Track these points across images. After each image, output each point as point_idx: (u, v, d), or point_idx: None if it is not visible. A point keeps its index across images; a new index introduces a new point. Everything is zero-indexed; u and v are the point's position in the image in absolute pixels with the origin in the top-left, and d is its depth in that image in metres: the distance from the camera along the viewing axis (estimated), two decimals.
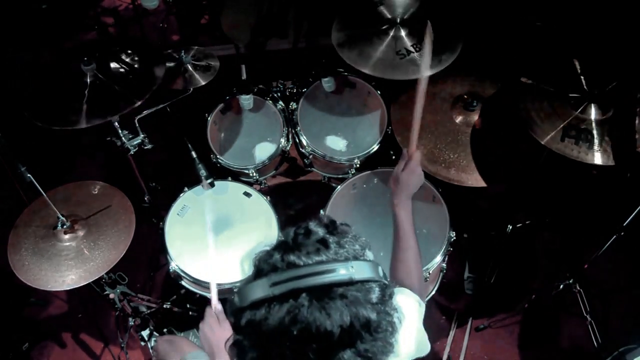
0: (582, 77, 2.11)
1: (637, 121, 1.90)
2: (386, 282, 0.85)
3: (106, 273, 1.99)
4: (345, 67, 2.58)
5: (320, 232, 0.86)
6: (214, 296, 1.47)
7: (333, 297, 0.78)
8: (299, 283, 0.78)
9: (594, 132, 1.98)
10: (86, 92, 2.07)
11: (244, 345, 0.82)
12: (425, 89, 1.50)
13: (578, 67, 2.14)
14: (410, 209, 1.44)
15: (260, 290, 0.79)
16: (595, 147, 1.94)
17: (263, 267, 0.84)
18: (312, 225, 0.87)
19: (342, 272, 0.80)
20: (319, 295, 0.78)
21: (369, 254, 0.88)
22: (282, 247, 0.85)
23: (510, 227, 2.59)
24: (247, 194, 2.37)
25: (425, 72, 1.50)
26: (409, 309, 1.23)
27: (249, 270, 0.87)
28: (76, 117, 1.99)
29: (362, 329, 0.79)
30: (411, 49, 2.25)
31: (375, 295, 0.81)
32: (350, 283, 0.80)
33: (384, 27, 2.31)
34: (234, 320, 0.83)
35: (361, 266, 0.82)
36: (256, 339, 0.80)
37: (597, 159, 1.94)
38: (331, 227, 0.88)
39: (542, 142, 1.97)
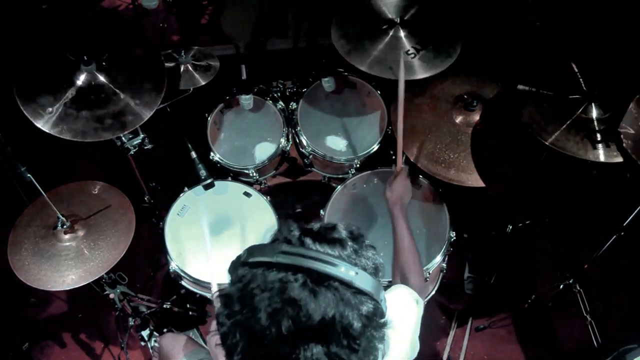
0: (580, 77, 2.10)
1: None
2: (384, 308, 0.85)
3: (106, 273, 1.99)
4: (345, 67, 2.58)
5: (344, 234, 0.88)
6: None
7: (327, 287, 0.79)
8: (303, 262, 0.80)
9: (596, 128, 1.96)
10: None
11: (231, 296, 0.83)
12: (402, 113, 1.82)
13: (575, 67, 2.13)
14: (405, 216, 1.65)
15: (267, 253, 0.82)
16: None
17: (279, 236, 0.87)
18: (341, 226, 0.90)
19: (345, 271, 0.80)
20: (316, 279, 0.79)
21: (380, 275, 0.88)
22: (305, 230, 0.88)
23: (510, 227, 2.59)
24: (247, 194, 2.37)
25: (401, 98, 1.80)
26: (406, 309, 1.26)
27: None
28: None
29: (342, 331, 0.78)
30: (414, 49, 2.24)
31: (366, 309, 0.81)
32: (348, 285, 0.80)
33: (383, 27, 2.30)
34: (231, 270, 0.86)
35: (366, 278, 0.82)
36: (243, 294, 0.82)
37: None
38: (356, 235, 0.90)
39: (547, 143, 1.95)
